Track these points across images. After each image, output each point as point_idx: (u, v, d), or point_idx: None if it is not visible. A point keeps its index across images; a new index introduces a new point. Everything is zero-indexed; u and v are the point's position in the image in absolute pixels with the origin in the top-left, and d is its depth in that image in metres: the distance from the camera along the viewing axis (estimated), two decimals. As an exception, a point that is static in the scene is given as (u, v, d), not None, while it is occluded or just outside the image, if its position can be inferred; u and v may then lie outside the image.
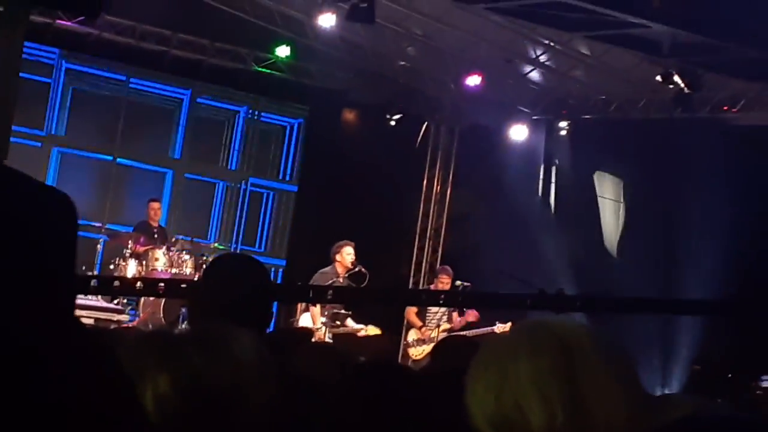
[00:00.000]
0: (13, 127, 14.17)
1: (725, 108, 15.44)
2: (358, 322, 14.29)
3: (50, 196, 1.64)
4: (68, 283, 1.64)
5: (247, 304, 4.15)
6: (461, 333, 14.29)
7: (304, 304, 13.99)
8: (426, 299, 14.27)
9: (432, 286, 15.90)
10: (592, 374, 2.05)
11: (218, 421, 2.10)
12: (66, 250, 1.62)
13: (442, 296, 12.70)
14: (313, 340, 11.15)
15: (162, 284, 8.52)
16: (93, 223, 15.95)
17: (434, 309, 15.07)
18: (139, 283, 10.27)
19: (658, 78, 14.37)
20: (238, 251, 17.86)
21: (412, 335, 15.24)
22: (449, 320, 15.11)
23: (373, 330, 14.47)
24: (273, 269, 18.36)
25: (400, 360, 15.52)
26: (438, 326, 15.02)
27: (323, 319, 13.94)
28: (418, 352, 15.03)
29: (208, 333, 2.22)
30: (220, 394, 2.09)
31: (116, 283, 9.94)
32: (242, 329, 2.24)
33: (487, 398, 2.10)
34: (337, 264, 14.26)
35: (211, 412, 2.09)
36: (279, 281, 17.91)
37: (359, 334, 14.23)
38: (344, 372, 3.70)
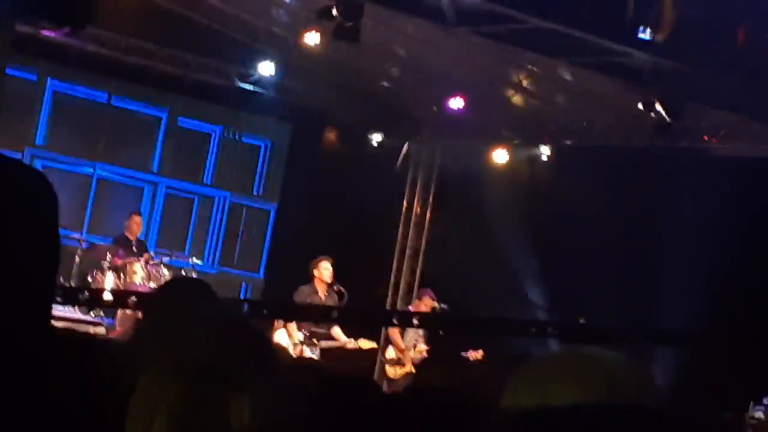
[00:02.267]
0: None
1: (706, 138, 15.51)
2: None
3: (26, 175, 1.59)
4: (46, 268, 1.59)
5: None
6: None
7: (281, 321, 13.94)
8: (406, 321, 14.28)
9: (412, 307, 15.88)
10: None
11: None
12: (44, 231, 1.58)
13: (417, 317, 12.69)
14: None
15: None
16: (72, 234, 15.92)
17: (411, 329, 15.06)
18: (133, 297, 10.22)
19: (640, 106, 14.41)
20: (215, 267, 17.97)
21: (391, 353, 15.21)
22: (426, 342, 15.10)
23: (366, 343, 14.42)
24: (246, 283, 18.44)
25: (376, 377, 15.51)
26: (414, 346, 15.02)
27: (301, 337, 13.89)
28: (395, 372, 15.00)
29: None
30: None
31: (108, 296, 9.91)
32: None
33: None
34: (315, 280, 14.25)
35: None
36: (255, 297, 17.92)
37: (348, 346, 14.19)
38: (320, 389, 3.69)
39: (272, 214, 18.87)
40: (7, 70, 14.71)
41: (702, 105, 14.52)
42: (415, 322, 12.26)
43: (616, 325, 13.08)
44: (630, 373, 2.10)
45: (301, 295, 14.05)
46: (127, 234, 15.96)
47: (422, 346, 15.02)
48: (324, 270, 14.29)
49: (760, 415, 13.89)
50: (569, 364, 2.12)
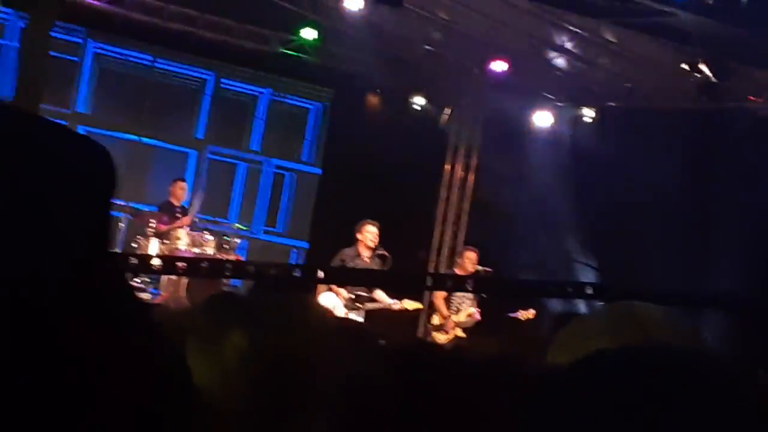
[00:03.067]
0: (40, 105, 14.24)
1: (751, 98, 15.37)
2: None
3: (88, 148, 1.61)
4: (104, 240, 1.61)
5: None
6: None
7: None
8: (451, 285, 14.24)
9: (457, 269, 15.84)
10: None
11: (288, 386, 2.10)
12: (103, 205, 1.60)
13: (468, 281, 12.68)
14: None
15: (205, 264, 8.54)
16: (116, 201, 15.98)
17: (458, 293, 15.02)
18: (182, 263, 10.26)
19: (685, 66, 14.30)
20: (260, 232, 18.07)
21: (437, 320, 15.19)
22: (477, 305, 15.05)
23: (411, 304, 14.36)
24: (294, 251, 18.50)
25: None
26: (459, 310, 14.99)
27: (345, 300, 13.89)
28: (442, 338, 14.98)
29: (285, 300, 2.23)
30: (293, 359, 2.10)
31: (156, 261, 9.95)
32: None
33: None
34: (359, 243, 14.22)
35: (283, 376, 2.10)
36: (300, 263, 18.01)
37: (394, 308, 14.15)
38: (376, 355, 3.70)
39: (316, 179, 18.88)
40: (53, 38, 14.79)
41: (748, 65, 14.40)
42: (468, 286, 12.23)
43: (664, 288, 13.02)
44: (669, 326, 2.11)
45: (344, 257, 14.04)
46: (172, 200, 16.00)
47: (471, 309, 14.98)
48: (368, 233, 14.24)
49: None
50: (606, 318, 2.16)
